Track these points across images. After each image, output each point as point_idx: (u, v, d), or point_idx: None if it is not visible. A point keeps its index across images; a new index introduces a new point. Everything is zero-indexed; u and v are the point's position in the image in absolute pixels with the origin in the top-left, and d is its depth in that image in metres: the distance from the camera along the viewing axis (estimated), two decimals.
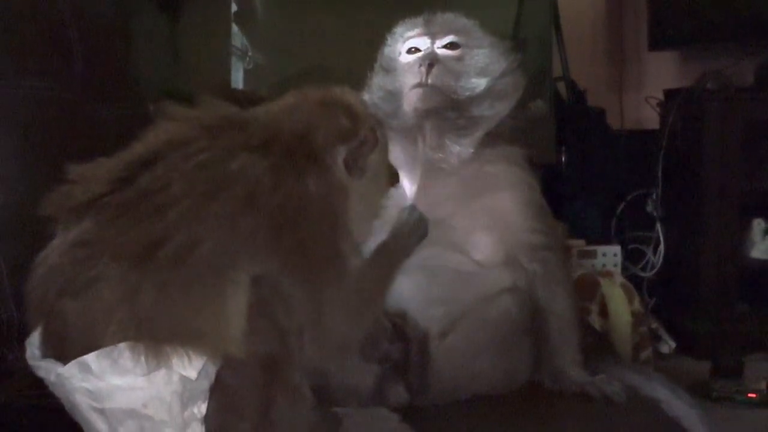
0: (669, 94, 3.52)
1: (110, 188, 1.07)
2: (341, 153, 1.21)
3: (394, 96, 1.55)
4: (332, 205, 1.17)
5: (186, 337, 1.02)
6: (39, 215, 1.08)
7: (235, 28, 3.05)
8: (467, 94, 1.52)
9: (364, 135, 1.23)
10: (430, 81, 1.50)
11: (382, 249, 1.29)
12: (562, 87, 3.52)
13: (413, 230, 1.34)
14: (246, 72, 3.04)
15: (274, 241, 1.09)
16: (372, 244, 1.30)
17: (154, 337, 1.01)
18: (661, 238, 3.47)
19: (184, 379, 1.02)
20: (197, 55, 2.97)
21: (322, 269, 1.14)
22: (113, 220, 1.05)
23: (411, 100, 1.51)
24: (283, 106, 1.23)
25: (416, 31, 1.58)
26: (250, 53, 3.03)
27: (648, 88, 3.79)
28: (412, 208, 1.38)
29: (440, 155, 1.52)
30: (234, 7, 3.05)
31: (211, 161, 1.09)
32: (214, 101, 1.20)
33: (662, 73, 3.79)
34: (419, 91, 1.51)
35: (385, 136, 1.34)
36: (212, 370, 1.04)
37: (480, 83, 1.53)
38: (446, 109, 1.51)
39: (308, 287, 1.13)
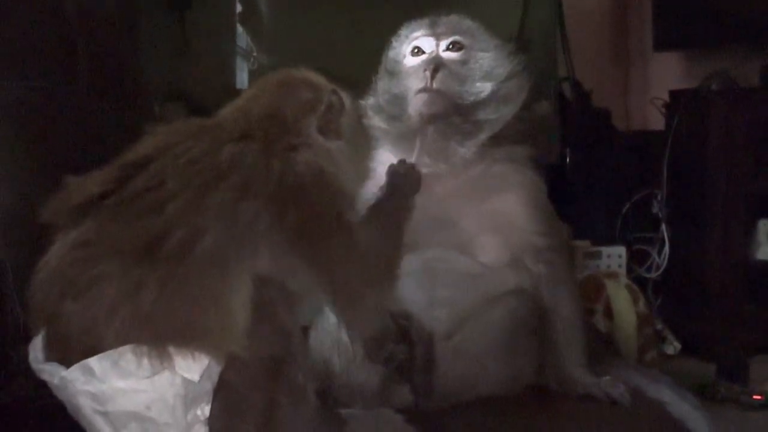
0: (674, 95, 3.51)
1: (106, 189, 1.08)
2: (313, 123, 1.24)
3: (399, 99, 1.54)
4: (326, 176, 1.18)
5: (190, 334, 1.02)
6: (38, 222, 1.08)
7: (240, 28, 3.04)
8: (472, 98, 1.52)
9: (329, 99, 1.26)
10: (435, 86, 1.50)
11: (381, 207, 1.29)
12: (567, 88, 3.52)
13: (406, 182, 1.33)
14: (251, 72, 3.03)
15: (277, 224, 1.10)
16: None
17: (157, 334, 1.01)
18: (666, 239, 3.46)
19: (186, 382, 1.01)
20: (202, 55, 2.97)
21: (332, 241, 1.15)
22: (112, 219, 1.06)
23: (416, 105, 1.51)
24: (246, 99, 1.27)
25: (421, 32, 1.57)
26: (254, 54, 3.02)
27: (653, 89, 3.78)
28: (400, 161, 1.38)
29: (444, 158, 1.52)
30: (239, 8, 3.05)
31: (200, 156, 1.11)
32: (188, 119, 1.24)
33: (667, 74, 3.78)
34: (424, 95, 1.50)
35: (354, 101, 1.37)
36: (215, 372, 1.04)
37: (485, 87, 1.52)
38: (451, 114, 1.50)
39: (322, 261, 1.14)
